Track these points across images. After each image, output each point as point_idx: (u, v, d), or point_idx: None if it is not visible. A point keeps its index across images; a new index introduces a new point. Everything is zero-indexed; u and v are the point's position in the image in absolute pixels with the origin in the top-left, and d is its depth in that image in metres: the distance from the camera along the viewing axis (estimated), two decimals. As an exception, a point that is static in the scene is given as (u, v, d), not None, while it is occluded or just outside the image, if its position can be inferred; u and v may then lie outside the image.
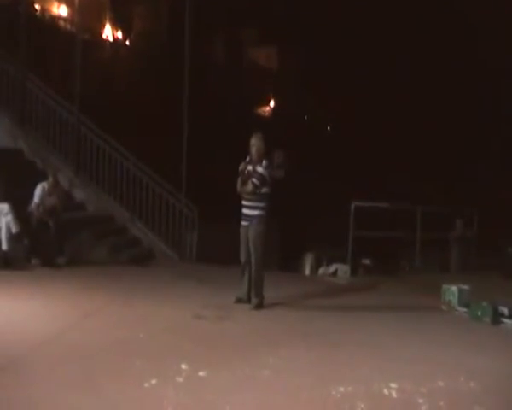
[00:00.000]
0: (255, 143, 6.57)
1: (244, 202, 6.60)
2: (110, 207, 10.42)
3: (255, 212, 6.53)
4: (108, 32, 23.27)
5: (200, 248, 9.91)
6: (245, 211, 6.59)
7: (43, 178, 8.73)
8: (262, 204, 6.54)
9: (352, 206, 10.04)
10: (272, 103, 30.12)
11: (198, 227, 10.03)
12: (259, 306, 6.54)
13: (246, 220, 6.60)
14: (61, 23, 20.08)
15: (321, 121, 28.14)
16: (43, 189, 8.54)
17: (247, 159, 6.61)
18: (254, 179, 6.48)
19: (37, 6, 19.29)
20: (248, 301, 6.64)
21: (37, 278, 7.45)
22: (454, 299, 7.23)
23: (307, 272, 9.41)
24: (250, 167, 6.56)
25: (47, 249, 8.25)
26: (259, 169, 6.51)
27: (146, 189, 10.18)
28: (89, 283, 7.38)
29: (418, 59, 22.65)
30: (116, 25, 23.44)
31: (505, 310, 6.57)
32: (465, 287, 7.33)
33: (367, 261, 9.78)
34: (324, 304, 7.13)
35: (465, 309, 7.00)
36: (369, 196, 11.34)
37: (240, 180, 6.58)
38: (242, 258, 6.71)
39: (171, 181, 10.37)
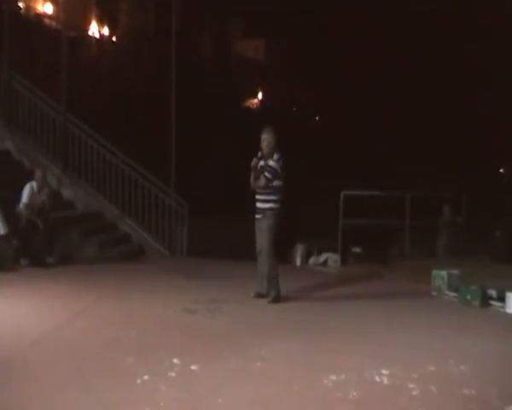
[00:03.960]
0: (266, 137, 6.62)
1: (257, 196, 6.66)
2: (99, 205, 10.39)
3: (268, 205, 6.58)
4: (95, 29, 23.13)
5: (190, 243, 9.91)
6: (258, 205, 6.65)
7: (31, 177, 8.68)
8: (275, 197, 6.60)
9: (342, 195, 10.07)
10: (260, 95, 30.09)
11: (188, 222, 10.03)
12: (277, 299, 6.56)
13: (259, 214, 6.65)
14: (47, 21, 19.93)
15: (309, 112, 28.15)
16: (32, 188, 8.49)
17: (259, 154, 6.65)
18: (266, 173, 6.54)
19: (21, 4, 19.14)
20: (267, 295, 6.67)
21: (27, 278, 7.42)
22: (444, 284, 7.30)
23: (298, 262, 9.42)
24: (262, 162, 6.62)
25: (36, 249, 8.21)
26: (271, 163, 6.56)
27: (135, 185, 10.16)
28: (79, 281, 7.36)
29: (405, 49, 22.70)
30: (102, 21, 23.30)
31: (493, 293, 6.65)
32: (454, 272, 7.40)
33: (357, 250, 9.81)
34: (315, 294, 7.16)
35: (455, 293, 7.07)
36: (359, 185, 11.39)
37: (252, 176, 6.63)
38: (259, 252, 6.70)
39: (160, 176, 10.35)
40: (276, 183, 6.58)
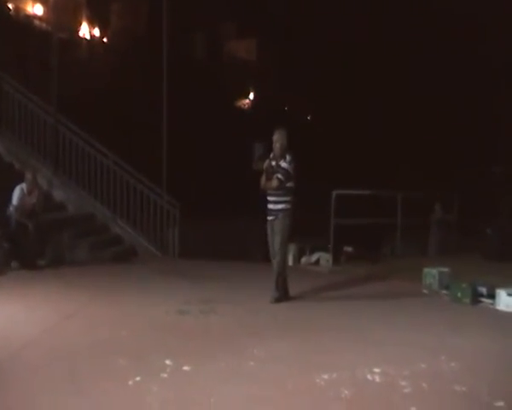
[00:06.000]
0: (278, 138, 6.60)
1: (269, 198, 6.65)
2: (91, 206, 10.36)
3: (280, 206, 6.58)
4: (85, 30, 23.03)
5: (182, 244, 9.90)
6: (270, 206, 6.64)
7: (21, 180, 8.64)
8: (287, 198, 6.60)
9: (333, 194, 10.08)
10: (252, 95, 30.08)
11: (180, 223, 10.01)
12: (280, 299, 6.59)
13: (271, 215, 6.64)
14: (37, 22, 19.81)
15: (301, 112, 28.17)
16: (22, 190, 8.46)
17: (271, 155, 6.63)
18: (279, 175, 6.52)
19: (10, 5, 19.01)
20: (286, 298, 6.66)
21: (17, 281, 7.38)
22: (434, 282, 7.34)
23: (290, 262, 9.42)
24: (273, 163, 6.60)
25: (27, 252, 8.17)
26: (284, 164, 6.55)
27: (127, 186, 10.13)
28: (70, 283, 7.33)
29: (401, 49, 22.74)
30: (93, 22, 23.21)
31: (484, 290, 6.70)
32: (445, 269, 7.44)
33: (349, 249, 9.82)
34: (307, 293, 7.17)
35: (445, 291, 7.11)
36: (352, 184, 11.37)
37: (264, 177, 6.61)
38: (272, 254, 6.71)
39: (152, 177, 10.33)
40: (288, 184, 6.57)
